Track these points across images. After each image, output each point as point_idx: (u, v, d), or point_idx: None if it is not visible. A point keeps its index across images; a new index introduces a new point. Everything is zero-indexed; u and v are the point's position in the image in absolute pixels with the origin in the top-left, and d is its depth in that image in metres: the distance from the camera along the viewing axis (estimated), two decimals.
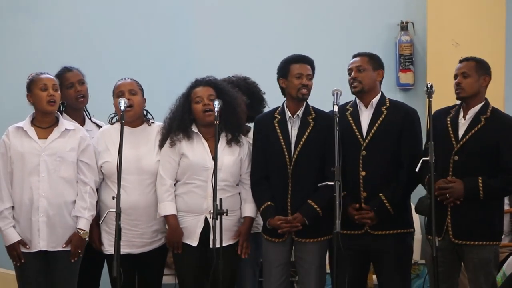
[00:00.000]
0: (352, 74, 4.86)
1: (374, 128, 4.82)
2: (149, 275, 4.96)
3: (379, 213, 4.74)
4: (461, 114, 4.85)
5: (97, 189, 4.89)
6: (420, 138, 4.89)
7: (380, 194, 4.75)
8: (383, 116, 4.83)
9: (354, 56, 4.95)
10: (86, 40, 6.86)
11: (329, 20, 6.88)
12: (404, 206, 4.87)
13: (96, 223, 4.86)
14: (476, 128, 4.77)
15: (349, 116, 4.86)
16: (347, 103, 4.94)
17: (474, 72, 4.81)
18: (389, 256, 4.78)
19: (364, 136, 4.82)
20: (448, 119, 4.87)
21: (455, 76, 4.86)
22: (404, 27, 6.76)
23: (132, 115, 4.88)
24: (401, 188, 4.80)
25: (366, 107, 4.87)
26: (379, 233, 4.79)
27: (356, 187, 4.77)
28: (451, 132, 4.83)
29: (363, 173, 4.78)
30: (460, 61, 4.91)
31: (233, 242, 4.84)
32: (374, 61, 4.91)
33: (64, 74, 5.16)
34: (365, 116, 4.86)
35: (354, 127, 4.83)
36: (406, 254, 4.90)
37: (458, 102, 4.93)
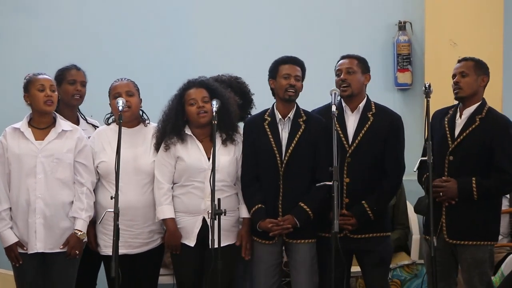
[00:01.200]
0: (342, 76, 4.84)
1: (360, 135, 4.81)
2: (145, 275, 4.95)
3: (361, 220, 4.76)
4: (458, 114, 4.86)
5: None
6: (402, 145, 4.88)
7: (363, 202, 4.76)
8: (369, 123, 4.82)
9: (342, 58, 4.93)
10: (85, 40, 6.85)
11: (327, 20, 6.87)
12: (383, 212, 4.88)
13: (91, 224, 4.85)
14: (470, 128, 4.78)
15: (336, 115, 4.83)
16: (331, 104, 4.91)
17: (473, 71, 4.82)
18: (371, 254, 4.82)
19: (350, 143, 4.81)
20: (446, 119, 4.87)
21: (454, 76, 4.86)
22: (402, 27, 6.76)
23: (129, 116, 4.87)
24: (384, 197, 4.82)
25: (352, 112, 4.86)
26: (358, 236, 4.80)
27: (340, 193, 4.70)
28: (447, 132, 4.84)
29: (347, 180, 4.77)
30: (459, 61, 4.91)
31: (232, 243, 4.84)
32: (362, 65, 4.89)
33: (70, 70, 5.18)
34: (351, 122, 4.85)
35: (340, 133, 4.80)
36: (385, 252, 4.93)
37: (456, 102, 4.94)
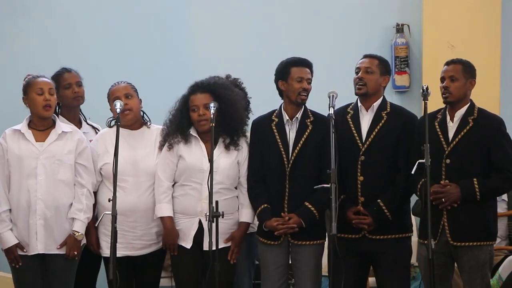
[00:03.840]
0: (359, 74, 4.84)
1: (374, 133, 4.81)
2: (147, 277, 4.96)
3: (377, 219, 4.74)
4: (448, 117, 4.85)
5: (95, 192, 4.89)
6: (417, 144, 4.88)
7: (378, 200, 4.75)
8: (383, 121, 4.82)
9: (365, 57, 4.93)
10: (83, 41, 6.87)
11: (325, 22, 6.88)
12: (402, 211, 4.87)
13: (94, 226, 4.85)
14: (465, 130, 4.77)
15: (349, 119, 4.85)
16: (348, 105, 4.93)
17: (462, 76, 4.79)
18: (387, 258, 4.78)
19: (364, 141, 4.81)
20: (436, 123, 4.86)
21: (442, 79, 4.84)
22: (399, 29, 6.76)
23: (131, 118, 4.87)
24: (399, 194, 4.80)
25: (367, 111, 4.87)
26: (377, 237, 4.79)
27: (354, 191, 4.77)
28: (441, 135, 4.82)
29: (361, 178, 4.77)
30: (447, 64, 4.87)
31: (229, 245, 4.82)
32: (383, 66, 4.89)
33: (62, 75, 5.17)
34: (366, 121, 4.86)
35: (354, 131, 4.82)
36: (404, 256, 4.89)
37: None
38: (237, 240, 4.84)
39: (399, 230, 4.84)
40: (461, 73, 4.80)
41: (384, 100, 4.90)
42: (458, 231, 4.74)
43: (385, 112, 4.85)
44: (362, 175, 4.77)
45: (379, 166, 4.78)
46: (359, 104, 4.90)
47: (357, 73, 4.87)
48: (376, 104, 4.86)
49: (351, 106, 4.92)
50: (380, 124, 4.82)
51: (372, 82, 4.83)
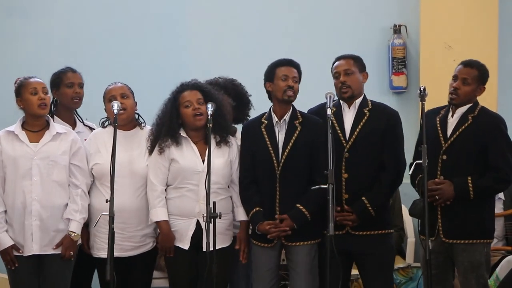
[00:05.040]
0: (341, 78, 4.83)
1: (357, 130, 4.81)
2: (136, 279, 4.94)
3: (361, 216, 4.75)
4: (450, 113, 4.86)
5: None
6: (401, 140, 4.88)
7: (363, 198, 4.75)
8: (365, 118, 4.82)
9: (338, 59, 4.91)
10: (79, 43, 6.87)
11: (322, 23, 6.89)
12: (384, 207, 4.88)
13: (84, 226, 4.84)
14: (463, 127, 4.79)
15: (332, 117, 4.84)
16: None
17: (475, 82, 4.80)
18: (372, 257, 4.80)
19: (347, 138, 4.82)
20: (438, 118, 4.88)
21: (455, 78, 4.84)
22: (397, 30, 6.76)
23: (125, 118, 4.87)
24: (383, 191, 4.82)
25: (349, 108, 4.87)
26: (360, 233, 4.79)
27: (338, 188, 4.72)
28: (440, 131, 4.84)
29: (346, 175, 4.77)
30: (464, 65, 4.86)
31: (226, 246, 4.84)
32: (359, 63, 4.89)
33: (67, 73, 5.19)
34: (348, 118, 4.86)
35: (338, 129, 4.82)
36: (387, 255, 4.91)
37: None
38: (245, 241, 4.87)
39: (381, 227, 4.84)
40: (475, 79, 4.80)
41: (365, 97, 4.90)
42: (451, 228, 4.76)
43: (367, 109, 4.85)
44: (346, 172, 4.78)
45: (363, 163, 4.78)
46: (341, 101, 4.89)
47: (336, 77, 4.85)
48: (358, 101, 4.86)
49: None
50: (363, 121, 4.82)
51: (355, 83, 4.83)
